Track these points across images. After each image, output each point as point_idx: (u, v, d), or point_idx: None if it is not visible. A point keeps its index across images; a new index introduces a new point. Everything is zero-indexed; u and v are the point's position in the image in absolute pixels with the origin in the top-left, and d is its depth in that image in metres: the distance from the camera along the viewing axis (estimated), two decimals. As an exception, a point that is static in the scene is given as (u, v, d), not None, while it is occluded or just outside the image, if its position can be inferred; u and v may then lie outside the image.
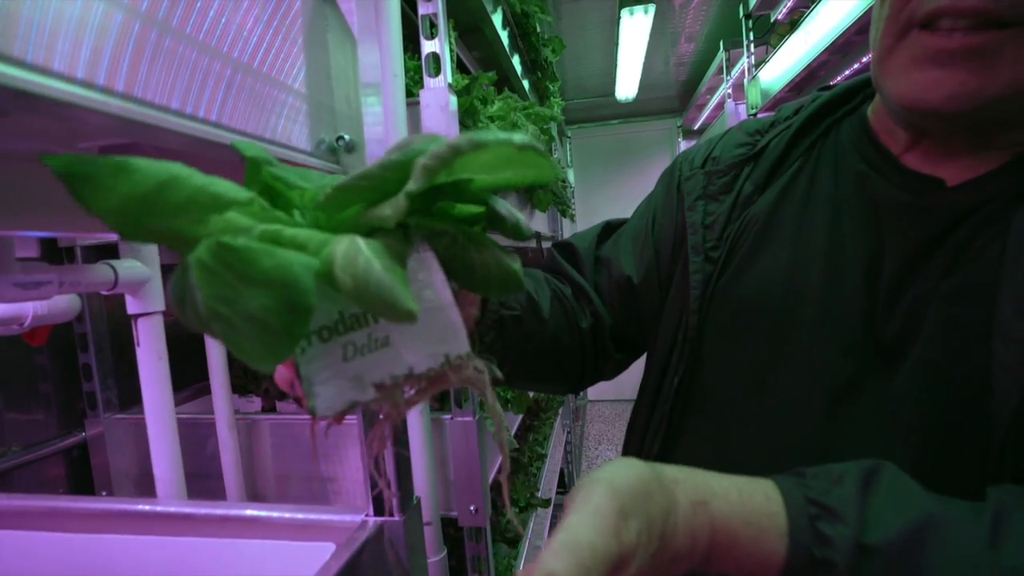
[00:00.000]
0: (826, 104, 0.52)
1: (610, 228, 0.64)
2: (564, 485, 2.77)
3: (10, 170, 0.39)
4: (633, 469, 0.29)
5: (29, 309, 0.62)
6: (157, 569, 0.60)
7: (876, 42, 0.42)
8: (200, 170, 0.24)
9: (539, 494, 1.72)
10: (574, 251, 0.61)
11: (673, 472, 0.31)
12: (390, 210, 0.23)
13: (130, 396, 1.13)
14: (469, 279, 0.27)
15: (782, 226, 0.49)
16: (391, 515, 0.55)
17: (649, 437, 0.55)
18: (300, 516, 0.57)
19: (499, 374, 0.26)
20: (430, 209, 0.26)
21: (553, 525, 1.91)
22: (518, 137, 0.23)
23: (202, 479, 1.01)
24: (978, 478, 0.36)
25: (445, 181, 0.24)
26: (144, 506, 0.61)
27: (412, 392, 0.26)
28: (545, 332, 0.52)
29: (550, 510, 1.80)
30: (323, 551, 0.54)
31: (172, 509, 0.60)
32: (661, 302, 0.56)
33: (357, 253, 0.21)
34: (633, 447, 0.58)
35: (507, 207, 0.27)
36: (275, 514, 0.57)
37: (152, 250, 0.67)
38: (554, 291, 0.56)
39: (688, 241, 0.53)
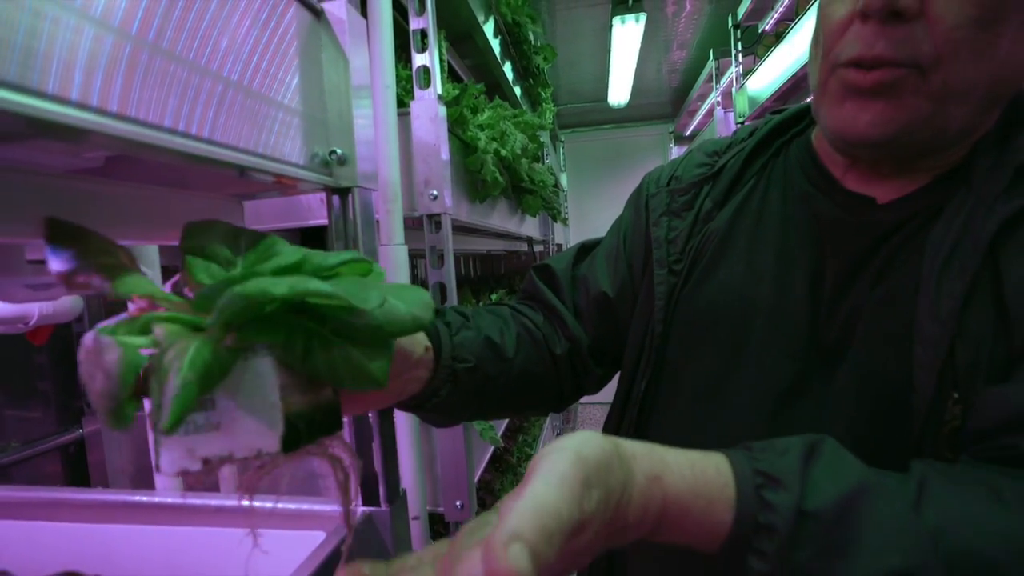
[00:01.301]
0: (777, 127, 0.56)
1: (585, 249, 0.67)
2: (554, 486, 2.81)
3: (28, 184, 0.42)
4: (597, 441, 0.30)
5: (35, 309, 0.65)
6: (156, 557, 0.63)
7: (812, 76, 0.47)
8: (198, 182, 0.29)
9: (527, 493, 1.75)
10: (552, 273, 0.65)
11: (632, 447, 0.33)
12: (211, 326, 0.29)
13: (126, 394, 1.16)
14: (319, 376, 0.31)
15: (737, 241, 0.53)
16: (379, 505, 0.58)
17: (622, 434, 0.58)
18: (292, 507, 0.60)
19: (357, 458, 0.34)
20: (282, 316, 0.31)
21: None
22: (313, 285, 0.29)
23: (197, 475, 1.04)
24: (906, 466, 0.40)
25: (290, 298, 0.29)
26: (143, 497, 0.64)
27: (282, 458, 0.31)
28: (511, 370, 0.55)
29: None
30: (313, 539, 0.57)
31: (170, 500, 0.63)
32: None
33: (176, 358, 0.27)
34: None
35: (369, 316, 0.31)
36: (268, 504, 0.60)
37: (153, 253, 0.70)
38: (522, 327, 0.58)
39: (653, 255, 0.57)
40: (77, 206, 0.46)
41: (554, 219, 2.68)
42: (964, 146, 0.45)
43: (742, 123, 2.72)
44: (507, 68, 1.90)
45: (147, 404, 0.29)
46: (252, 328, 0.30)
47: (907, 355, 0.41)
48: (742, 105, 2.72)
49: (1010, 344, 0.38)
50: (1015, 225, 0.40)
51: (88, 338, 0.28)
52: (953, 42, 0.38)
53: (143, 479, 1.09)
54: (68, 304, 0.71)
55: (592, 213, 4.68)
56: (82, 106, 0.30)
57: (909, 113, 0.41)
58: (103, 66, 0.31)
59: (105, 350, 0.28)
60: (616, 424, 0.59)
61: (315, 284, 0.29)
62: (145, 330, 0.29)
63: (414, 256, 1.40)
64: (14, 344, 1.04)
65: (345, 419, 0.59)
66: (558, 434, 2.75)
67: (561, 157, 4.59)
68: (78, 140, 0.32)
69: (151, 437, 0.91)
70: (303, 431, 0.31)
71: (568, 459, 0.28)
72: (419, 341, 0.46)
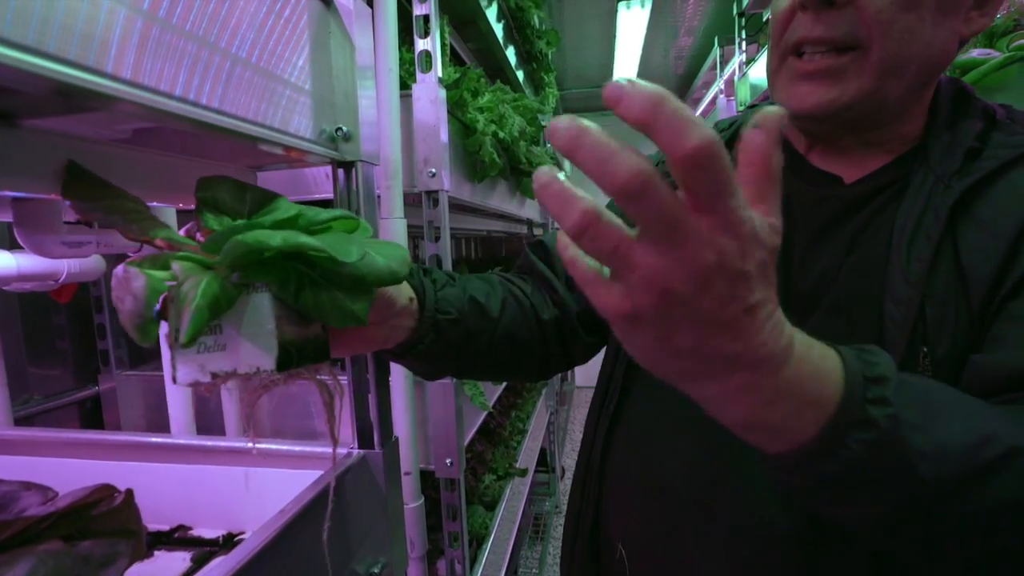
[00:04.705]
0: None
1: None
2: (545, 464, 2.89)
3: (71, 148, 0.48)
4: None
5: (64, 266, 0.71)
6: (170, 490, 0.70)
7: (767, 64, 0.54)
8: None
9: (517, 464, 1.83)
10: (546, 248, 0.71)
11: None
12: (219, 265, 0.35)
13: (139, 355, 1.23)
14: (309, 312, 0.37)
15: None
16: (374, 448, 0.65)
17: (609, 396, 0.64)
18: (296, 448, 0.67)
19: (341, 383, 0.40)
20: (276, 260, 0.36)
21: (531, 494, 2.00)
22: (305, 240, 0.35)
23: (205, 432, 1.11)
24: None
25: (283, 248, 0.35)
26: (162, 439, 0.71)
27: (278, 378, 0.37)
28: (495, 330, 0.59)
29: (528, 479, 1.91)
30: (309, 476, 0.64)
31: (189, 442, 0.70)
32: None
33: (191, 289, 0.33)
34: (596, 406, 0.67)
35: (351, 267, 0.36)
36: (275, 446, 0.67)
37: (172, 215, 0.76)
38: (508, 292, 0.63)
39: None
40: (110, 169, 0.52)
41: (554, 202, 2.71)
42: (907, 120, 0.51)
43: (743, 111, 2.75)
44: (510, 52, 1.94)
45: (164, 327, 0.35)
46: (253, 268, 0.36)
47: (879, 314, 0.47)
48: (744, 93, 2.75)
49: (969, 304, 0.44)
50: (968, 201, 0.47)
51: (119, 269, 0.34)
52: (881, 23, 0.45)
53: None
54: (93, 263, 0.77)
55: (594, 197, 4.71)
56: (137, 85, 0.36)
57: (852, 91, 0.47)
58: (170, 58, 0.37)
59: (133, 278, 0.34)
60: (606, 383, 0.65)
61: (304, 238, 0.35)
62: (165, 266, 0.35)
63: (413, 236, 1.45)
64: (36, 305, 1.10)
65: (344, 380, 0.66)
66: (551, 412, 2.83)
67: (564, 142, 4.60)
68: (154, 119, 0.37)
69: (166, 379, 0.97)
70: (294, 355, 0.37)
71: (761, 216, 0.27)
72: (404, 291, 0.51)
